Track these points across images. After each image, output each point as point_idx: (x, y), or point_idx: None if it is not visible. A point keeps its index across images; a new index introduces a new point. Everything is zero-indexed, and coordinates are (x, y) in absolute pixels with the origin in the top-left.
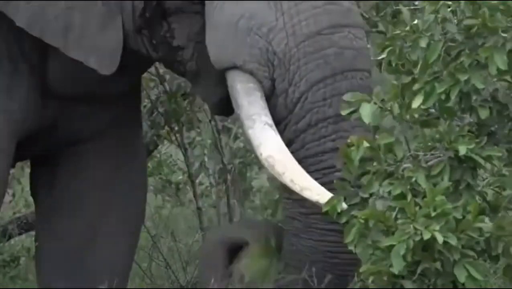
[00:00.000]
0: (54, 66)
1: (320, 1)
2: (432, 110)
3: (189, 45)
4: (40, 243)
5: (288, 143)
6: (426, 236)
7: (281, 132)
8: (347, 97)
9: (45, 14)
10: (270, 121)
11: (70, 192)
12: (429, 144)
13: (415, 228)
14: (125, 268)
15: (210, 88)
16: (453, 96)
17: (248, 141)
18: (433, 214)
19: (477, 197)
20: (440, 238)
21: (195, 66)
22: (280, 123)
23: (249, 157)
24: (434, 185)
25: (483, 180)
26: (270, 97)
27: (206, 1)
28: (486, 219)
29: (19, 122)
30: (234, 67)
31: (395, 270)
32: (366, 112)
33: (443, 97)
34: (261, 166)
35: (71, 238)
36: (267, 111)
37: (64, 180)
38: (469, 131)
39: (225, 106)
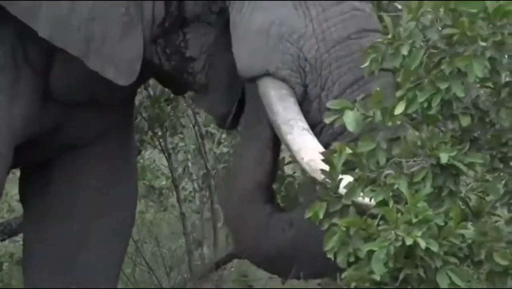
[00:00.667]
0: (59, 72)
1: (346, 7)
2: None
3: (201, 58)
4: (29, 246)
5: (326, 146)
6: (409, 241)
7: (317, 136)
8: (330, 104)
9: (68, 25)
10: (307, 126)
11: (64, 196)
12: (412, 150)
13: (396, 234)
14: (118, 270)
15: (218, 100)
16: (434, 105)
17: (287, 146)
18: (414, 220)
19: (460, 203)
20: (422, 244)
21: (204, 79)
22: (314, 128)
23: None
24: (416, 191)
25: (467, 185)
26: (301, 103)
27: (232, 9)
28: (469, 225)
29: (20, 127)
30: (266, 74)
31: (376, 275)
32: (350, 119)
33: (425, 105)
34: None
35: (65, 240)
36: (302, 116)
37: (59, 183)
38: (452, 136)
39: (231, 119)
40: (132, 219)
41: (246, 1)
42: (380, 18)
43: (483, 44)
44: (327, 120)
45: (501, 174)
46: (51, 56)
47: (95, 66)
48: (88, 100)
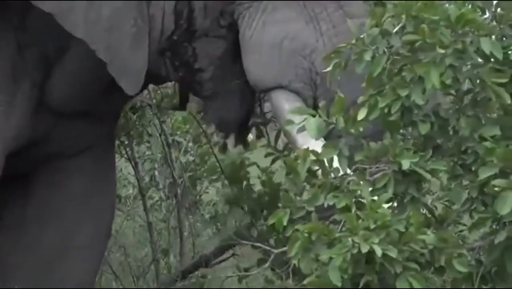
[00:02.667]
0: (56, 84)
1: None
2: None
3: (209, 69)
4: (5, 254)
5: None
6: (364, 248)
7: None
8: (292, 111)
9: (97, 31)
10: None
11: (45, 206)
12: (375, 156)
13: (353, 241)
14: (93, 279)
15: (229, 108)
16: (394, 111)
17: None
18: (372, 226)
19: (424, 211)
20: (378, 251)
21: (212, 87)
22: None
23: (198, 171)
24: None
25: (433, 194)
26: None
27: (242, 23)
28: (429, 232)
29: (13, 138)
30: (279, 87)
31: (333, 282)
32: (312, 126)
33: (385, 111)
34: (210, 180)
35: (43, 249)
36: None
37: (39, 193)
38: (415, 144)
39: (238, 127)
40: (108, 230)
41: (257, 16)
42: None
43: (442, 51)
44: (288, 128)
45: (463, 181)
46: (50, 69)
47: (115, 74)
48: (82, 111)
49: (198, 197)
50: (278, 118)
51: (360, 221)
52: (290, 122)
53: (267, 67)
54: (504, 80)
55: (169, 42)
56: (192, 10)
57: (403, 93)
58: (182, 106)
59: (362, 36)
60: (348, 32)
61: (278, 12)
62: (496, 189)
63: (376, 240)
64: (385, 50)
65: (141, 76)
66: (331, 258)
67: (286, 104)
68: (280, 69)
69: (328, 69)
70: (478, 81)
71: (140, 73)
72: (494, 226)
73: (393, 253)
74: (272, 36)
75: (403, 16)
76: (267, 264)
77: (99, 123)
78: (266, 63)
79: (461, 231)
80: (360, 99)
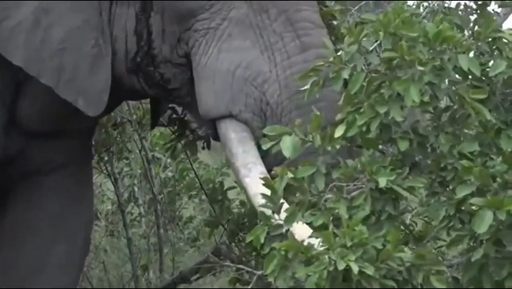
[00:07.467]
0: (26, 103)
1: (310, 55)
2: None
3: (184, 87)
4: None
5: None
6: (341, 266)
7: None
8: (267, 130)
9: (40, 55)
10: (265, 170)
11: (21, 223)
12: (352, 174)
13: (330, 258)
14: None
15: None
16: (373, 128)
17: (244, 189)
18: (349, 244)
19: (401, 227)
20: (355, 268)
21: (192, 99)
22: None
23: (178, 187)
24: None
25: (412, 210)
26: (260, 147)
27: (197, 51)
28: (406, 249)
29: None
30: (229, 116)
31: None
32: (287, 144)
33: (363, 128)
34: (190, 196)
35: (19, 267)
36: (261, 160)
37: (16, 211)
38: (394, 161)
39: None
40: (85, 247)
41: (213, 43)
42: None
43: (421, 68)
44: (264, 147)
45: (441, 198)
46: (19, 88)
47: (67, 96)
48: (52, 130)
49: (177, 213)
50: (225, 147)
51: (337, 238)
52: (265, 141)
53: (219, 94)
54: (483, 97)
55: (134, 63)
56: (150, 33)
57: (382, 110)
58: (153, 123)
59: (339, 53)
60: (302, 63)
61: (233, 40)
62: (473, 207)
63: (353, 258)
64: (363, 67)
65: (102, 97)
66: (308, 275)
67: (233, 133)
68: (232, 97)
69: (306, 87)
70: (456, 97)
71: (102, 93)
72: (471, 244)
73: (370, 271)
74: (226, 64)
75: (381, 33)
76: (250, 286)
77: (72, 141)
78: (218, 91)
79: (440, 247)
80: (338, 116)
